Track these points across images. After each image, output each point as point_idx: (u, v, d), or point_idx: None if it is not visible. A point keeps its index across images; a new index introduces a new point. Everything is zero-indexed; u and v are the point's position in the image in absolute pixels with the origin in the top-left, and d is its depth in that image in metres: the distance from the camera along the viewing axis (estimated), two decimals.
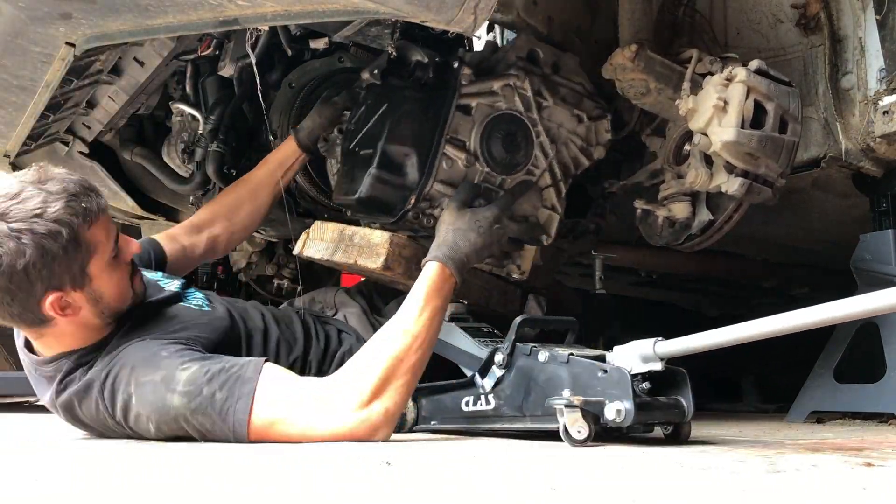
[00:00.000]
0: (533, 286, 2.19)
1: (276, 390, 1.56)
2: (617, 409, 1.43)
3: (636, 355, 1.48)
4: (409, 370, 1.59)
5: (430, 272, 1.69)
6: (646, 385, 1.47)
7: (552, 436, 1.49)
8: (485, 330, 1.92)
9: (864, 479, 1.06)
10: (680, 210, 2.08)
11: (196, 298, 1.93)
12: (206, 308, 1.90)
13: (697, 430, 1.94)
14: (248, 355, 1.79)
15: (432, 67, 1.91)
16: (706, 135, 1.81)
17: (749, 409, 3.23)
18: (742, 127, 1.76)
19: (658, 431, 1.61)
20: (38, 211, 1.55)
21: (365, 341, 1.79)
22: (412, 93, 1.88)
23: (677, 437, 1.56)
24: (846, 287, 2.32)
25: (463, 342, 1.87)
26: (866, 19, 1.99)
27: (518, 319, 1.68)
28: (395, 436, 1.77)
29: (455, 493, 0.98)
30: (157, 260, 2.10)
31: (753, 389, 3.65)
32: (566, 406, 1.44)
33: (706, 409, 3.10)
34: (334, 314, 2.23)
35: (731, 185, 1.84)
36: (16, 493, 0.99)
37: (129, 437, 1.68)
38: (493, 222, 1.77)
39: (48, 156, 2.65)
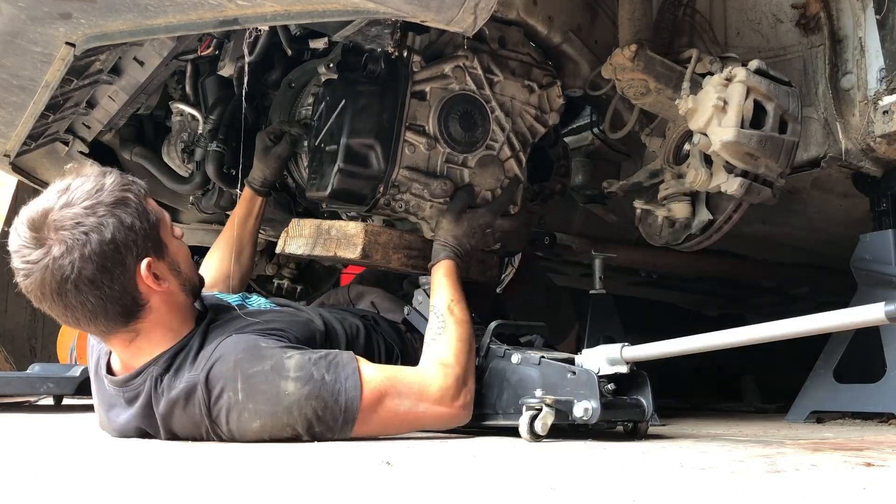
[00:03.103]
0: (508, 251, 2.28)
1: (377, 372, 1.64)
2: (584, 408, 1.55)
3: (603, 358, 1.60)
4: (472, 353, 1.75)
5: (450, 268, 1.87)
6: (611, 386, 1.59)
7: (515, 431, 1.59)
8: None
9: (864, 479, 1.06)
10: (680, 210, 2.08)
11: (259, 302, 1.94)
12: (276, 307, 1.92)
13: (697, 429, 1.94)
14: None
15: (383, 59, 1.96)
16: (706, 135, 1.81)
17: (749, 409, 3.24)
18: (742, 127, 1.76)
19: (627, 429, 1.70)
20: (98, 187, 1.55)
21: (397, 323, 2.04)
22: (367, 87, 1.94)
23: (636, 433, 1.66)
24: (846, 287, 2.33)
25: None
26: (866, 19, 1.99)
27: (493, 325, 1.81)
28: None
29: (455, 494, 0.98)
30: None
31: (753, 389, 3.65)
32: (539, 405, 1.55)
33: (706, 409, 3.10)
34: (355, 306, 2.24)
35: (731, 185, 1.84)
36: (17, 493, 0.99)
37: (221, 440, 1.59)
38: (485, 227, 1.96)
39: (48, 156, 2.65)
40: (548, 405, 1.55)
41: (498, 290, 2.47)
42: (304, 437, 1.56)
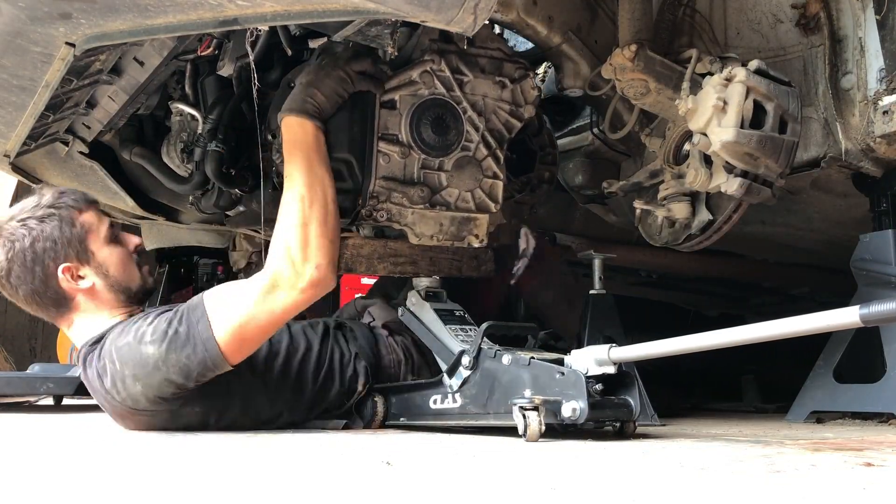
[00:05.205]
0: (502, 244, 2.29)
1: (225, 302, 1.79)
2: (572, 408, 1.58)
3: (591, 359, 1.62)
4: (318, 226, 1.80)
5: (285, 132, 1.87)
6: (599, 386, 1.61)
7: (513, 431, 1.61)
8: (456, 314, 2.07)
9: (864, 479, 1.06)
10: (679, 210, 2.08)
11: None
12: None
13: (697, 429, 1.94)
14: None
15: None
16: (706, 135, 1.80)
17: (749, 409, 3.23)
18: (741, 127, 1.76)
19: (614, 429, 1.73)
20: (34, 204, 1.96)
21: (390, 321, 2.16)
22: None
23: (623, 433, 1.69)
24: (846, 287, 2.33)
25: (436, 326, 2.02)
26: (866, 19, 1.99)
27: (484, 326, 1.83)
28: (392, 435, 1.78)
29: (455, 494, 0.98)
30: None
31: (753, 389, 3.65)
32: (527, 405, 1.57)
33: (706, 409, 3.10)
34: (361, 318, 2.31)
35: (731, 185, 1.83)
36: (18, 492, 0.99)
37: (131, 410, 1.82)
38: (342, 75, 1.89)
39: (48, 156, 2.64)
40: (536, 406, 1.57)
41: (511, 282, 2.50)
42: (190, 384, 1.76)
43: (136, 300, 2.03)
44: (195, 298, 1.82)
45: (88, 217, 1.99)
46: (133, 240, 2.06)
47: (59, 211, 1.95)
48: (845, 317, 1.30)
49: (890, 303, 1.25)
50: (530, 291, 2.57)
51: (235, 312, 1.76)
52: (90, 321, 1.96)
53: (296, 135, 1.85)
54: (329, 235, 1.82)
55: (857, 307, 1.28)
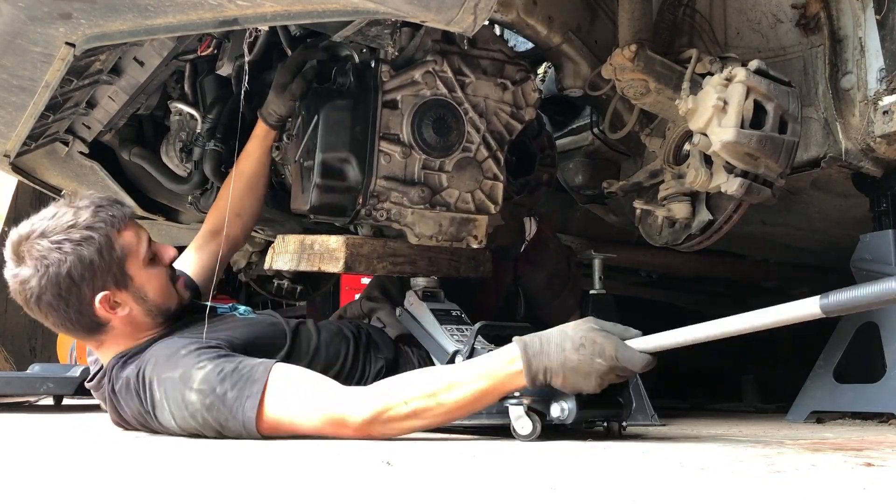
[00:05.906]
0: (499, 245, 2.30)
1: (286, 396, 1.64)
2: (561, 408, 1.56)
3: None
4: (428, 420, 1.59)
5: (508, 359, 1.55)
6: None
7: (505, 431, 1.61)
8: (453, 314, 2.05)
9: (864, 479, 1.06)
10: (680, 210, 2.08)
11: (243, 311, 2.06)
12: (251, 316, 2.03)
13: (697, 429, 1.94)
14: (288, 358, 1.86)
15: (352, 72, 1.99)
16: (706, 135, 1.81)
17: (749, 409, 3.24)
18: (742, 127, 1.76)
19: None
20: (71, 222, 1.77)
21: (403, 334, 2.07)
22: (338, 100, 1.96)
23: (610, 432, 1.68)
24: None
25: (432, 326, 2.01)
26: (866, 19, 1.99)
27: (477, 325, 1.82)
28: None
29: (455, 494, 0.98)
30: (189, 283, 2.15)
31: (753, 389, 3.65)
32: (517, 405, 1.57)
33: (706, 409, 3.10)
34: (369, 321, 2.29)
35: (731, 185, 1.84)
36: (18, 492, 0.99)
37: (157, 433, 1.76)
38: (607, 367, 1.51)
39: (48, 156, 2.65)
40: (526, 405, 1.56)
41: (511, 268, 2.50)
42: (220, 438, 1.66)
43: (172, 316, 1.92)
44: (261, 368, 1.66)
45: (128, 237, 1.84)
46: (168, 253, 1.93)
47: (97, 233, 1.78)
48: (806, 308, 1.29)
49: (848, 291, 1.24)
50: (526, 273, 2.56)
51: (287, 412, 1.63)
52: (122, 344, 1.87)
53: (505, 379, 1.55)
54: (420, 427, 1.62)
55: (818, 297, 1.26)
